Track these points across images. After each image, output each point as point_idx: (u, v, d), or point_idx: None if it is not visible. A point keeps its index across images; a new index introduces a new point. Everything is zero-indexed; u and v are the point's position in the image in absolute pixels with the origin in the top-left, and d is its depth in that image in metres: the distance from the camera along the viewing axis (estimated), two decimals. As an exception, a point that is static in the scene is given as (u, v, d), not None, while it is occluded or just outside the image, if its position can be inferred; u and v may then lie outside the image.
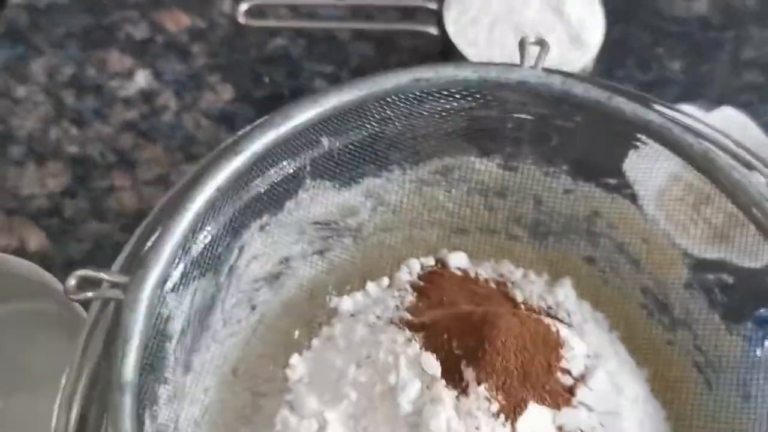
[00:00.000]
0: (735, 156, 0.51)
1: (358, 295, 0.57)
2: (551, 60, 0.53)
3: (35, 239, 0.73)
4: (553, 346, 0.49)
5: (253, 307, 0.57)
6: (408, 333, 0.51)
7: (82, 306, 0.59)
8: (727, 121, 0.66)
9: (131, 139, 0.78)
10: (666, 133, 0.49)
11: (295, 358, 0.54)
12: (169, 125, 0.79)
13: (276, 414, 0.53)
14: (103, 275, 0.45)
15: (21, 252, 0.71)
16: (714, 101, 0.78)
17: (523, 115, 0.56)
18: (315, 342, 0.55)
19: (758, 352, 0.56)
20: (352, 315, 0.56)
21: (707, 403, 0.56)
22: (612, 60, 0.80)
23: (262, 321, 0.58)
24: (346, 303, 0.57)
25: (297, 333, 0.57)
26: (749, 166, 0.51)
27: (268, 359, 0.58)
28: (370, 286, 0.58)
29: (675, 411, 0.55)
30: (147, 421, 0.48)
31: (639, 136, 0.52)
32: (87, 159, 0.77)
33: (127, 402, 0.41)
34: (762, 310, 0.56)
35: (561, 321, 0.54)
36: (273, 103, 0.77)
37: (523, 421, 0.47)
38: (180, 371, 0.52)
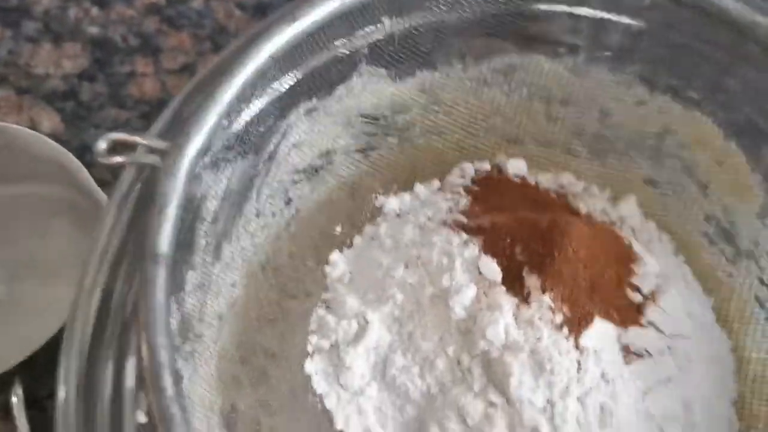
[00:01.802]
0: None
1: (406, 196, 0.53)
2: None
3: (48, 121, 0.68)
4: (625, 260, 0.45)
5: (289, 201, 0.52)
6: (464, 235, 0.47)
7: (101, 190, 0.55)
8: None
9: (156, 23, 0.73)
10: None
11: (335, 255, 0.49)
12: (198, 12, 0.73)
13: (304, 317, 0.50)
14: (139, 139, 0.40)
15: (33, 132, 0.66)
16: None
17: (603, 13, 0.51)
18: (357, 240, 0.51)
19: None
20: (398, 215, 0.52)
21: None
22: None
23: (296, 217, 0.53)
24: (392, 202, 0.52)
25: (339, 229, 0.52)
26: None
27: (299, 259, 0.54)
28: (419, 187, 0.53)
29: (734, 343, 0.51)
30: (174, 306, 0.44)
31: (740, 41, 0.46)
32: (107, 42, 0.72)
33: (161, 275, 0.36)
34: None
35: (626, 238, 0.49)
36: None
37: (587, 336, 0.43)
38: (209, 259, 0.47)
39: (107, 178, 0.61)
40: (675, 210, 0.56)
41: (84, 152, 0.66)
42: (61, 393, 0.39)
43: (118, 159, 0.40)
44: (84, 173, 0.57)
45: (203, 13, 0.73)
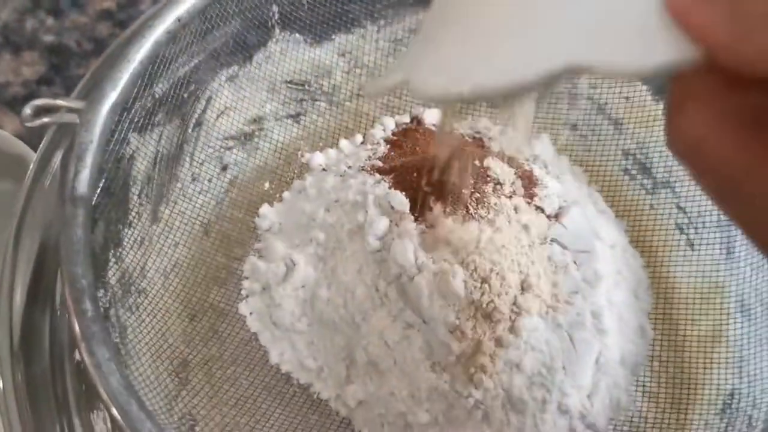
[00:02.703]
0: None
1: (331, 151, 0.56)
2: None
3: (11, 124, 0.72)
4: (528, 184, 0.48)
5: (225, 167, 0.56)
6: (377, 176, 0.50)
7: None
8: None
9: (108, 28, 0.77)
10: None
11: (265, 207, 0.53)
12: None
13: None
14: (60, 102, 0.44)
15: (-4, 136, 0.70)
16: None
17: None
18: (286, 194, 0.54)
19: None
20: (323, 169, 0.55)
21: (690, 260, 0.54)
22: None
23: (234, 183, 0.56)
24: (318, 158, 0.55)
25: (267, 185, 0.55)
26: None
27: (242, 222, 0.57)
28: (344, 143, 0.56)
29: (662, 275, 0.54)
30: (111, 260, 0.47)
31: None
32: (63, 48, 0.76)
33: (80, 214, 0.40)
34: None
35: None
36: None
37: (492, 254, 0.46)
38: (146, 218, 0.50)
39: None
40: (596, 150, 0.59)
41: (45, 150, 0.70)
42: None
43: (41, 120, 0.43)
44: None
45: (152, 15, 0.77)
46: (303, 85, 0.57)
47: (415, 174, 0.48)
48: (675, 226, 0.56)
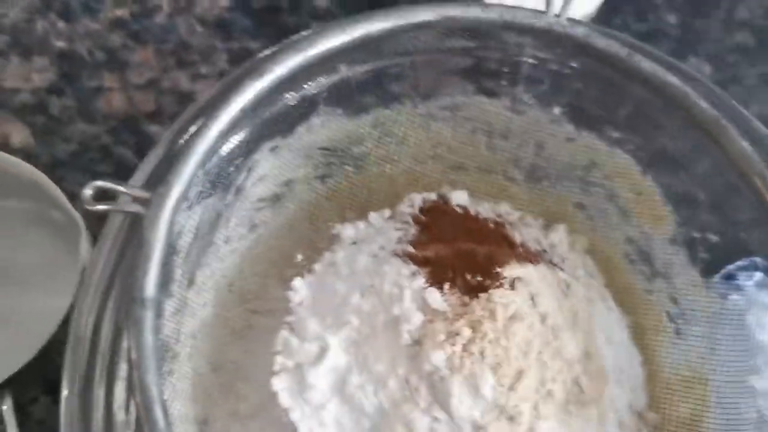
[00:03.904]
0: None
1: (360, 224, 0.58)
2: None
3: (18, 135, 0.71)
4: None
5: (254, 226, 0.57)
6: (412, 266, 0.52)
7: (79, 211, 0.59)
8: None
9: (121, 38, 0.76)
10: (681, 95, 0.50)
11: (297, 281, 0.55)
12: (162, 27, 0.77)
13: (268, 332, 0.55)
14: (122, 189, 0.45)
15: (3, 148, 0.69)
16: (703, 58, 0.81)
17: (537, 62, 0.56)
18: (317, 266, 0.56)
19: (725, 306, 0.59)
20: (353, 243, 0.57)
21: (677, 351, 0.59)
22: (609, 7, 0.80)
23: (260, 240, 0.58)
24: (348, 230, 0.58)
25: (300, 256, 0.57)
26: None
27: (263, 278, 0.59)
28: (373, 216, 0.59)
29: (649, 357, 0.58)
30: (154, 334, 0.49)
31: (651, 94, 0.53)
32: (74, 56, 0.75)
33: (149, 317, 0.41)
34: (731, 266, 0.59)
35: (556, 266, 0.56)
36: (270, 15, 0.76)
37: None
38: (184, 286, 0.52)
39: (77, 191, 0.65)
40: (601, 231, 0.63)
41: (55, 166, 0.70)
42: (63, 419, 0.43)
43: (102, 207, 0.44)
44: (55, 189, 0.61)
45: (167, 27, 0.77)
46: (335, 150, 0.59)
47: (450, 273, 0.51)
48: (666, 315, 0.61)
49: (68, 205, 0.61)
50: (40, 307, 0.61)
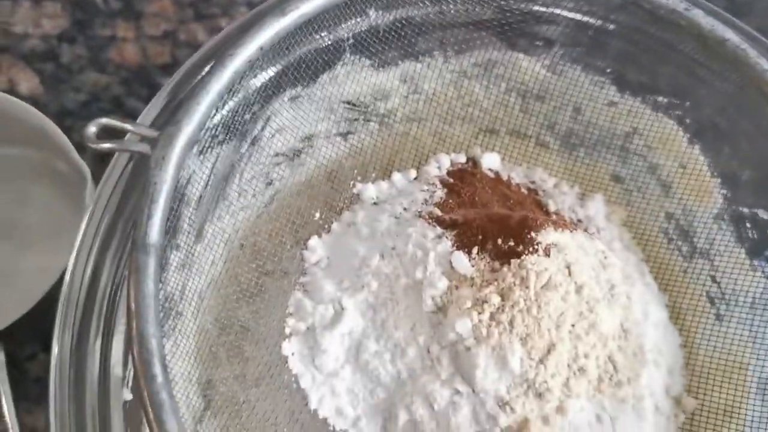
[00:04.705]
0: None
1: (383, 184, 0.54)
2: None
3: (27, 83, 0.68)
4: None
5: (270, 182, 0.54)
6: (438, 229, 0.49)
7: (87, 162, 0.56)
8: None
9: (138, -13, 0.72)
10: (740, 54, 0.46)
11: (314, 240, 0.51)
12: (181, -22, 0.73)
13: (280, 294, 0.52)
14: (129, 127, 0.41)
15: (11, 94, 0.66)
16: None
17: (585, 17, 0.52)
18: (335, 226, 0.53)
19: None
20: (375, 203, 0.53)
21: (716, 335, 0.55)
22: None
23: (276, 197, 0.54)
24: (370, 190, 0.54)
25: (317, 214, 0.54)
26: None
27: (277, 238, 0.55)
28: (397, 176, 0.55)
29: (685, 340, 0.54)
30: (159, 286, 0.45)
31: (707, 53, 0.49)
32: (88, 3, 0.71)
33: (152, 264, 0.38)
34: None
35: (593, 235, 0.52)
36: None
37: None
38: (192, 239, 0.49)
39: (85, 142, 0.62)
40: (638, 206, 0.58)
41: (63, 116, 0.66)
42: (53, 369, 0.40)
43: (107, 145, 0.41)
44: (63, 139, 0.58)
45: (186, -22, 0.73)
46: (359, 105, 0.55)
47: (480, 236, 0.47)
48: (706, 296, 0.56)
49: (75, 155, 0.57)
50: (42, 264, 0.58)
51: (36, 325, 0.52)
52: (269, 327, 0.51)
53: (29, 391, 0.55)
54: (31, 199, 0.62)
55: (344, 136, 0.56)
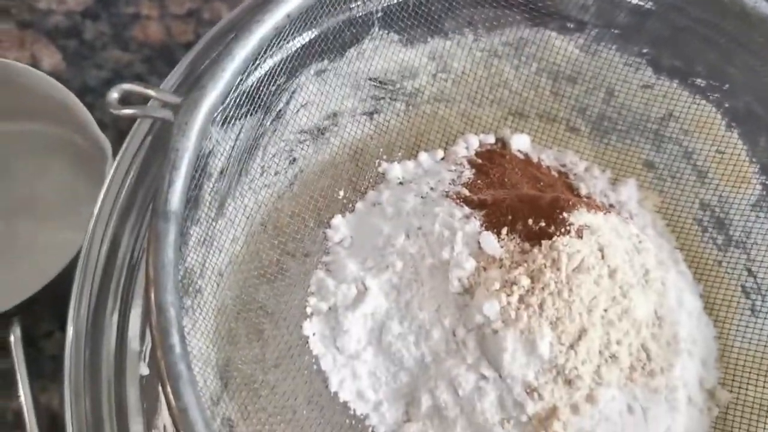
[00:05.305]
0: None
1: (409, 164, 0.53)
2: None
3: (50, 59, 0.67)
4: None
5: (293, 160, 0.52)
6: (467, 209, 0.47)
7: (108, 138, 0.55)
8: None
9: (163, -35, 0.71)
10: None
11: (338, 219, 0.50)
12: (207, -43, 0.72)
13: (302, 274, 0.50)
14: (152, 92, 0.40)
15: (33, 69, 0.65)
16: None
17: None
18: (359, 205, 0.51)
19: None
20: (400, 183, 0.52)
21: (751, 328, 0.53)
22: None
23: (299, 176, 0.53)
24: (396, 169, 0.52)
25: (342, 193, 0.52)
26: None
27: (300, 219, 0.54)
28: (423, 156, 0.53)
29: (719, 332, 0.52)
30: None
31: (747, 31, 0.47)
32: (113, -20, 0.70)
33: (172, 231, 0.37)
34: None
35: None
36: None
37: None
38: (213, 214, 0.47)
39: (106, 119, 0.61)
40: (671, 194, 0.57)
41: (85, 92, 0.66)
42: (69, 343, 0.39)
43: (129, 111, 0.39)
44: (85, 114, 0.57)
45: (212, -43, 0.72)
46: (386, 84, 0.54)
47: (510, 216, 0.45)
48: (741, 289, 0.55)
49: (97, 129, 0.56)
50: (60, 239, 0.57)
51: (53, 303, 0.51)
52: (290, 306, 0.49)
53: (45, 369, 0.54)
54: (51, 174, 0.61)
55: (370, 115, 0.55)
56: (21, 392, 0.50)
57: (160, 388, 0.36)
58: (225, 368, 0.47)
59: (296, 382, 0.46)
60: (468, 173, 0.50)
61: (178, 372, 0.34)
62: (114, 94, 0.40)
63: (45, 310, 0.54)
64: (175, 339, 0.34)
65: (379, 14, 0.49)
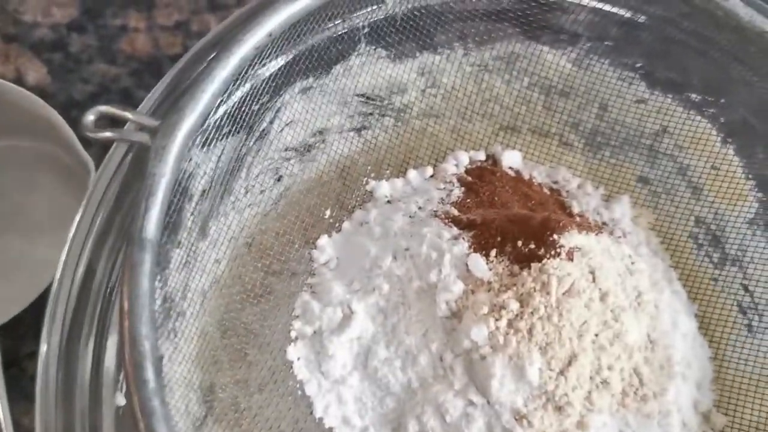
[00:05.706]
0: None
1: (398, 182, 0.52)
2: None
3: (35, 72, 0.66)
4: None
5: (279, 178, 0.51)
6: (455, 230, 0.46)
7: (88, 153, 0.54)
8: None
9: (151, -24, 0.70)
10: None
11: (323, 239, 0.49)
12: (195, -32, 0.71)
13: (286, 296, 0.49)
14: (128, 115, 0.39)
15: (18, 84, 0.64)
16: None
17: (613, 8, 0.49)
18: (346, 225, 0.50)
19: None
20: (388, 201, 0.51)
21: (748, 347, 0.52)
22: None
23: (285, 194, 0.52)
24: (384, 187, 0.51)
25: (328, 212, 0.51)
26: None
27: (286, 238, 0.53)
28: (412, 173, 0.52)
29: (714, 352, 0.51)
30: (158, 285, 0.43)
31: (742, 44, 0.46)
32: (99, -8, 0.69)
33: (148, 260, 0.35)
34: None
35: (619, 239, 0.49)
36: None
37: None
38: (195, 236, 0.46)
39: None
40: (666, 211, 0.55)
41: (70, 107, 0.65)
42: (40, 373, 0.38)
43: (106, 134, 0.38)
44: (68, 131, 0.56)
45: (200, -33, 0.71)
46: (374, 99, 0.53)
47: (499, 238, 0.44)
48: (737, 307, 0.53)
49: (80, 147, 0.55)
50: (45, 256, 0.56)
51: (37, 322, 0.50)
52: (274, 330, 0.48)
53: (28, 390, 0.53)
54: (37, 190, 0.60)
55: (358, 131, 0.54)
56: (0, 414, 0.49)
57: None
58: (208, 393, 0.46)
59: (280, 408, 0.45)
60: (457, 191, 0.49)
61: (151, 408, 0.33)
62: (90, 117, 0.38)
63: (29, 330, 0.53)
64: (149, 373, 0.33)
65: (366, 30, 0.48)
